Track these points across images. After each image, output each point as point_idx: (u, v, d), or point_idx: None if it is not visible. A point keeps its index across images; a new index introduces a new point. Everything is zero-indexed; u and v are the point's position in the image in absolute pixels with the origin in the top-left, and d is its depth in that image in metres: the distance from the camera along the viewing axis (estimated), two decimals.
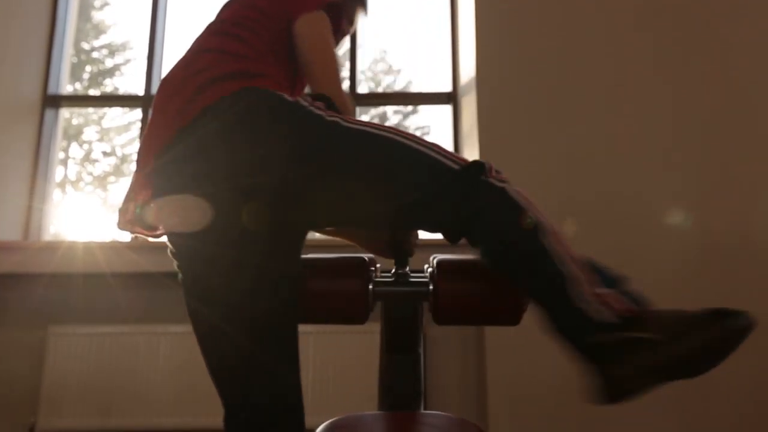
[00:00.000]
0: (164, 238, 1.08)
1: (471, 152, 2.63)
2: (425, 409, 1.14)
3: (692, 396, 2.27)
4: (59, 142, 2.93)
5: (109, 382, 2.33)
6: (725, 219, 2.44)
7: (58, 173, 3.19)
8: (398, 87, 3.23)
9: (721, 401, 2.28)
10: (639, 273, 2.38)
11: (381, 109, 3.18)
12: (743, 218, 2.44)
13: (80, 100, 3.23)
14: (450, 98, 2.93)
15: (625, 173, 2.49)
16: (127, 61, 6.14)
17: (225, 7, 1.23)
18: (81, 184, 5.47)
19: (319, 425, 1.02)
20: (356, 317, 1.07)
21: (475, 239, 0.96)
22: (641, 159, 2.49)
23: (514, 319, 1.04)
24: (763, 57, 2.58)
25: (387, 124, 3.17)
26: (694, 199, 2.46)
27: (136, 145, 2.90)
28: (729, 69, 2.57)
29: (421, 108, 3.15)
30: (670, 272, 2.39)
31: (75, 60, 5.17)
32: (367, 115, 3.20)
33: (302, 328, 2.54)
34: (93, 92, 4.23)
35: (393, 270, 1.15)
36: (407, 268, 1.15)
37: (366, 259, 1.09)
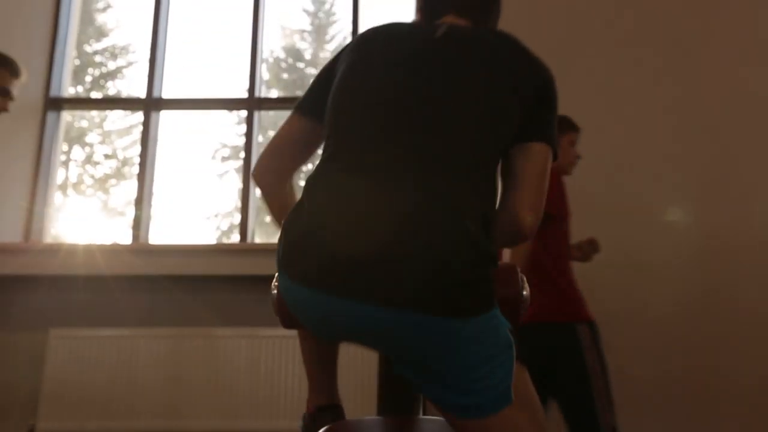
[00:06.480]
0: None
1: None
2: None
3: (698, 398, 2.26)
4: (61, 144, 2.93)
5: (109, 384, 2.33)
6: (726, 215, 2.44)
7: (60, 175, 3.20)
8: None
9: (730, 404, 2.27)
10: (643, 268, 2.39)
11: None
12: (742, 216, 2.44)
13: (82, 103, 3.24)
14: None
15: (626, 175, 2.49)
16: (129, 64, 6.15)
17: None
18: (82, 186, 5.48)
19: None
20: None
21: None
22: (642, 160, 2.50)
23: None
24: (762, 58, 2.58)
25: None
26: (694, 197, 2.46)
27: (138, 149, 2.91)
28: (729, 71, 2.58)
29: None
30: (672, 267, 2.39)
31: (77, 62, 5.17)
32: None
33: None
34: (95, 95, 4.25)
35: None
36: None
37: None
